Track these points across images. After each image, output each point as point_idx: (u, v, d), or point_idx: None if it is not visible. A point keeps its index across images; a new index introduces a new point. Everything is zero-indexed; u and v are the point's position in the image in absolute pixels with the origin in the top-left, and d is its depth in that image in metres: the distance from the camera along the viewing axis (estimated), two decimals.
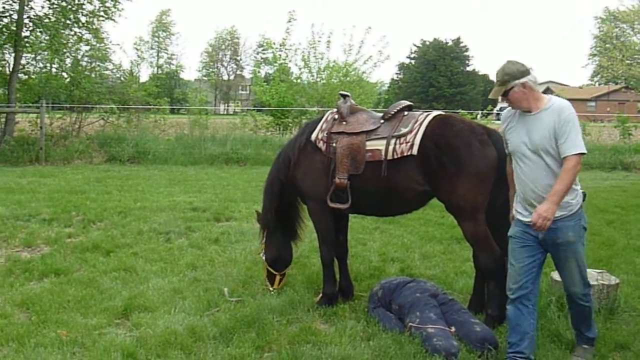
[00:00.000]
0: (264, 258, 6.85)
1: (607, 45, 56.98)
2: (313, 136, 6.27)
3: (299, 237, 7.02)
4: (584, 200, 4.82)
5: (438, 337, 5.14)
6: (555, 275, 6.47)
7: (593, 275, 6.38)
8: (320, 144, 6.20)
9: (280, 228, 6.81)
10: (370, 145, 5.93)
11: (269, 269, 6.78)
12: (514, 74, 4.72)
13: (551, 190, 4.57)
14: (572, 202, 4.69)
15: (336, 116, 6.28)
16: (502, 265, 5.69)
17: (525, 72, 4.74)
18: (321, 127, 6.28)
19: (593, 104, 70.99)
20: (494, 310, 5.72)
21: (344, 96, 6.44)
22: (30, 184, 13.90)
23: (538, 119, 4.69)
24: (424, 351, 5.07)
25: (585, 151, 4.57)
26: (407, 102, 6.25)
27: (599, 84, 70.27)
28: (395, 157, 5.77)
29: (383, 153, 5.82)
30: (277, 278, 6.78)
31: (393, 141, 5.79)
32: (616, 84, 69.30)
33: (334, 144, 6.08)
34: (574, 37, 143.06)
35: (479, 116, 29.65)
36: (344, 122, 6.16)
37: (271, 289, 6.70)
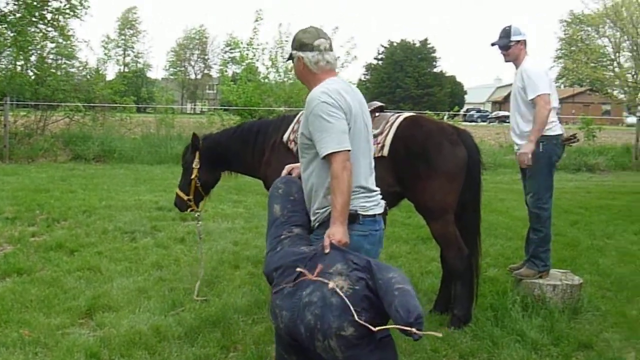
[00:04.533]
0: (198, 182, 6.69)
1: (572, 48, 57.55)
2: (285, 137, 6.20)
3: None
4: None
5: None
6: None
7: (557, 275, 6.45)
8: (292, 145, 6.13)
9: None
10: None
11: (200, 190, 6.71)
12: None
13: None
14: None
15: None
16: (469, 265, 5.76)
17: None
18: (293, 127, 6.21)
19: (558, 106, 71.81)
20: (459, 310, 5.77)
21: None
22: None
23: None
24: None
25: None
26: (379, 103, 6.22)
27: (564, 87, 71.08)
28: None
29: None
30: (205, 199, 6.87)
31: None
32: (581, 86, 70.14)
33: None
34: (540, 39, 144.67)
35: (445, 117, 29.79)
36: None
37: (197, 211, 6.75)
